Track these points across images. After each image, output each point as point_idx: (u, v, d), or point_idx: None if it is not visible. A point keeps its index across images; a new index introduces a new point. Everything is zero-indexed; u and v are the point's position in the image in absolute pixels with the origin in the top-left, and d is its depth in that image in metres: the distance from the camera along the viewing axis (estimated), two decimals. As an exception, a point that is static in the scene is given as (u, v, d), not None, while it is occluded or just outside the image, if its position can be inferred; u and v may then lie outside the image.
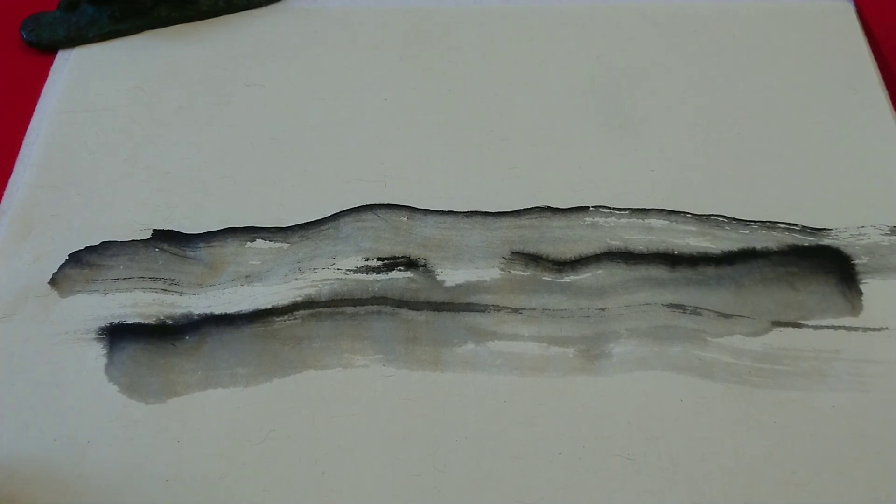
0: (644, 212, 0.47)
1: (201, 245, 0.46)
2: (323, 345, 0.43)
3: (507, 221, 0.47)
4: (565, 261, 0.45)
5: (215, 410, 0.41)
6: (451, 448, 0.40)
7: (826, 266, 0.45)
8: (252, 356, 0.42)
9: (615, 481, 0.39)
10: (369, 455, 0.40)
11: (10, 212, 0.47)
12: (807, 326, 0.43)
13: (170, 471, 0.39)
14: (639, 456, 0.39)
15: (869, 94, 0.51)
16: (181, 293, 0.45)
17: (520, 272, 0.45)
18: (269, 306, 0.44)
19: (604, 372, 0.42)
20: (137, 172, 0.49)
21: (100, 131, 0.51)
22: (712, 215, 0.47)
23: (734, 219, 0.47)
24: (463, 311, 0.44)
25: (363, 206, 0.47)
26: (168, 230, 0.47)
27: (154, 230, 0.47)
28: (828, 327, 0.43)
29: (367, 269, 0.45)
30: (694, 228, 0.46)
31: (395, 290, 0.44)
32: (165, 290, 0.45)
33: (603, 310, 0.43)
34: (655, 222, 0.47)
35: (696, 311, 0.43)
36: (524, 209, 0.47)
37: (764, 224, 0.46)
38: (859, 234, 0.46)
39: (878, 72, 0.53)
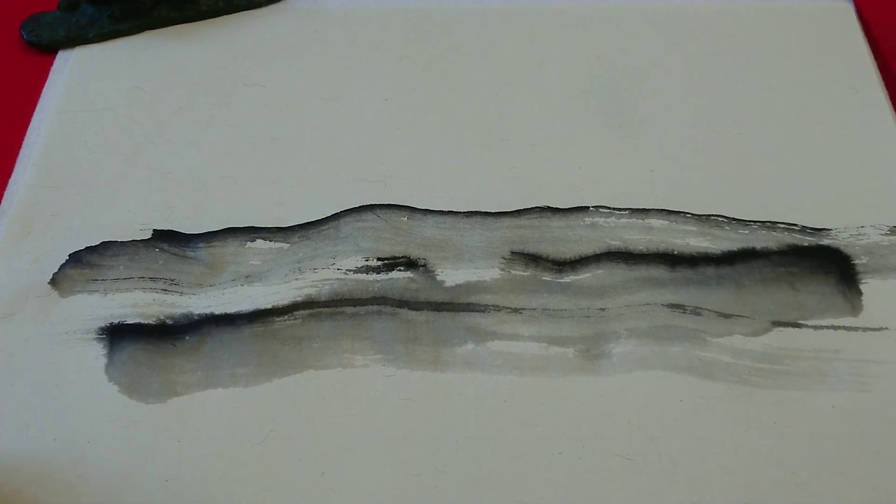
0: (644, 212, 0.47)
1: (201, 245, 0.46)
2: (323, 345, 0.43)
3: (507, 221, 0.47)
4: (565, 261, 0.45)
5: (215, 410, 0.41)
6: (451, 448, 0.40)
7: (826, 266, 0.45)
8: (252, 356, 0.42)
9: (615, 481, 0.39)
10: (369, 455, 0.40)
11: (10, 212, 0.47)
12: (807, 326, 0.43)
13: (170, 471, 0.39)
14: (639, 456, 0.39)
15: (869, 94, 0.51)
16: (181, 293, 0.45)
17: (520, 272, 0.45)
18: (269, 306, 0.44)
19: (604, 372, 0.42)
20: (137, 172, 0.49)
21: (100, 131, 0.51)
22: (712, 215, 0.47)
23: (734, 219, 0.47)
24: (463, 311, 0.44)
25: (363, 206, 0.47)
26: (168, 230, 0.47)
27: (154, 230, 0.47)
28: (828, 327, 0.43)
29: (367, 269, 0.45)
30: (694, 228, 0.46)
31: (395, 290, 0.44)
32: (165, 290, 0.45)
33: (603, 310, 0.43)
34: (655, 222, 0.47)
35: (696, 311, 0.43)
36: (524, 209, 0.47)
37: (764, 224, 0.46)
38: (859, 234, 0.46)
39: (878, 72, 0.52)
